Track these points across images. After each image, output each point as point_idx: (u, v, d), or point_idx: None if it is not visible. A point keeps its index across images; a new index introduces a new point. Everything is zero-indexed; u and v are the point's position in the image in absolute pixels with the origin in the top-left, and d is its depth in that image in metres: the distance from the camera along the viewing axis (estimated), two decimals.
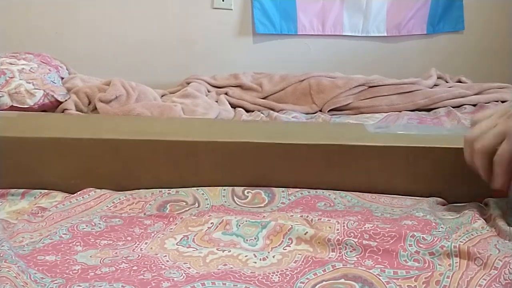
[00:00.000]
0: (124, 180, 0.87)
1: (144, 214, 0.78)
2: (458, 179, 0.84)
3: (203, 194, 0.85)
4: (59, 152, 0.88)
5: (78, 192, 0.84)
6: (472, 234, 0.71)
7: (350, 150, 0.86)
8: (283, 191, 0.85)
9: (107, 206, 0.80)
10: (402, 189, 0.86)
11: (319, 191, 0.85)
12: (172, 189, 0.86)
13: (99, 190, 0.85)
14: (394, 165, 0.86)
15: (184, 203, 0.82)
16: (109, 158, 0.88)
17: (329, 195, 0.85)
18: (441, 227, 0.72)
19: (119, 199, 0.82)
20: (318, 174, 0.88)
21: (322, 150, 0.87)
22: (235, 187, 0.86)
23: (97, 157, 0.88)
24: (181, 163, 0.88)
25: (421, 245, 0.65)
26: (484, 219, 0.75)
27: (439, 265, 0.62)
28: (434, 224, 0.72)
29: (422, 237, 0.66)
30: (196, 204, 0.83)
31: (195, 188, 0.86)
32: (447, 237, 0.69)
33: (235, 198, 0.84)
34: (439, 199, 0.86)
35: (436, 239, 0.65)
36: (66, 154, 0.88)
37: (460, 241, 0.68)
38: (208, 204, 0.83)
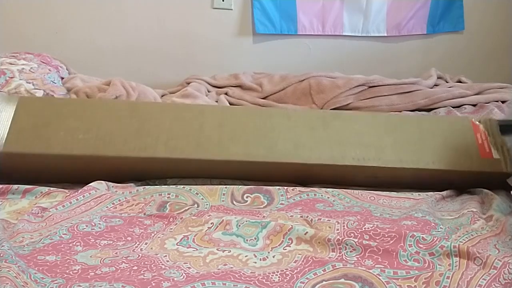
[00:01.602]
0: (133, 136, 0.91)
1: (144, 214, 0.78)
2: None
3: (202, 199, 0.85)
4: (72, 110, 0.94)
5: (79, 191, 0.84)
6: (471, 235, 0.71)
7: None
8: (281, 195, 0.85)
9: (107, 207, 0.80)
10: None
11: (318, 194, 0.86)
12: (171, 194, 0.86)
13: (99, 190, 0.85)
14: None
15: (184, 204, 0.82)
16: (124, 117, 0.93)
17: (328, 197, 0.85)
18: (440, 228, 0.72)
19: (119, 200, 0.82)
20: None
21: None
22: (234, 190, 0.86)
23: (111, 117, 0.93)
24: (188, 123, 0.93)
25: (421, 245, 0.65)
26: (484, 219, 0.75)
27: (439, 265, 0.62)
28: (433, 224, 0.73)
29: (422, 237, 0.66)
30: (196, 205, 0.83)
31: (194, 192, 0.86)
32: (446, 237, 0.69)
33: (234, 202, 0.84)
34: (437, 195, 0.87)
35: (436, 239, 0.65)
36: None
37: (460, 241, 0.68)
38: (207, 204, 0.83)
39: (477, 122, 0.98)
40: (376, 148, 0.92)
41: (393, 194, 0.88)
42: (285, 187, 0.87)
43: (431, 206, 0.82)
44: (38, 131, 0.91)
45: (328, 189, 0.87)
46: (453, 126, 0.98)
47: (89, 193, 0.83)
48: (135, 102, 0.99)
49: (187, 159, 0.90)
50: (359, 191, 0.88)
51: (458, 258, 0.62)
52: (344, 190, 0.87)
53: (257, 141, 0.91)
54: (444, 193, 0.89)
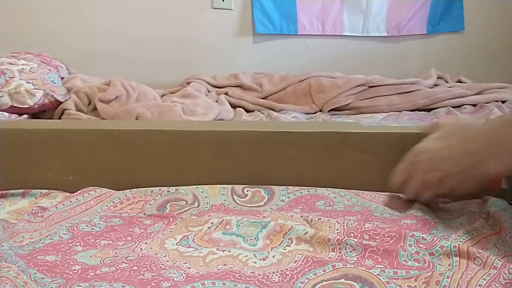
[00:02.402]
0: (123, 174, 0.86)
1: (144, 214, 0.78)
2: None
3: (202, 192, 0.85)
4: (59, 144, 0.87)
5: (79, 191, 0.84)
6: (471, 234, 0.70)
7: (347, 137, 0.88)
8: (282, 190, 0.85)
9: (107, 206, 0.80)
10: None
11: (318, 190, 0.85)
12: (171, 187, 0.86)
13: (99, 189, 0.85)
14: (388, 153, 0.86)
15: (184, 202, 0.82)
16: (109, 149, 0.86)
17: (328, 194, 0.85)
18: (441, 226, 0.72)
19: (119, 198, 0.82)
20: (317, 160, 0.88)
21: (320, 137, 0.88)
22: (235, 186, 0.86)
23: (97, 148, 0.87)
24: (181, 155, 0.88)
25: (421, 245, 0.65)
26: (483, 218, 0.75)
27: (439, 265, 0.62)
28: (433, 223, 0.72)
29: (422, 237, 0.66)
30: (196, 204, 0.83)
31: (194, 186, 0.86)
32: (446, 236, 0.69)
33: (234, 197, 0.84)
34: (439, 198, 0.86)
35: (436, 238, 0.65)
36: (66, 146, 0.87)
37: (460, 241, 0.68)
38: (208, 203, 0.83)
39: None
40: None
41: (394, 193, 0.88)
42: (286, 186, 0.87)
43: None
44: (23, 172, 0.87)
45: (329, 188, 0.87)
46: None
47: (89, 193, 0.83)
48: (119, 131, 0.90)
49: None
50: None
51: (458, 258, 0.62)
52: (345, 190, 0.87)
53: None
54: None
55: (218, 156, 0.88)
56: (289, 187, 0.86)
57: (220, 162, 0.88)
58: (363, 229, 0.70)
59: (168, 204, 0.82)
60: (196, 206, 0.82)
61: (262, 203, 0.83)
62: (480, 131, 0.73)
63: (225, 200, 0.84)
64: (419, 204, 0.80)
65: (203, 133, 0.88)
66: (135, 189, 0.86)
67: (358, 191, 0.86)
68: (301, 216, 0.76)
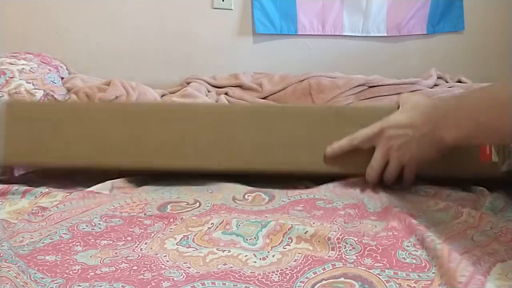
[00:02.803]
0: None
1: (145, 214, 0.79)
2: None
3: (204, 198, 0.85)
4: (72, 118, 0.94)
5: (80, 195, 0.84)
6: (452, 229, 0.71)
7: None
8: (282, 194, 0.86)
9: (107, 208, 0.80)
10: None
11: (317, 195, 0.86)
12: (173, 192, 0.86)
13: (100, 193, 0.86)
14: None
15: (185, 203, 0.83)
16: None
17: (326, 196, 0.86)
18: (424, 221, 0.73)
19: (119, 203, 0.82)
20: (312, 133, 0.93)
21: (315, 110, 0.94)
22: (235, 194, 0.87)
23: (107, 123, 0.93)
24: (183, 126, 0.93)
25: (418, 246, 0.66)
26: (472, 216, 0.75)
27: (435, 266, 0.61)
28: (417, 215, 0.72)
29: (417, 239, 0.67)
30: (197, 204, 0.83)
31: (196, 194, 0.86)
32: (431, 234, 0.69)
33: (236, 201, 0.85)
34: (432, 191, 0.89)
35: (425, 237, 0.66)
36: (78, 120, 0.94)
37: (439, 240, 0.67)
38: (209, 203, 0.83)
39: None
40: None
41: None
42: (286, 190, 0.88)
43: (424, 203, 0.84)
44: (35, 142, 0.92)
45: (327, 193, 0.88)
46: None
47: (89, 200, 0.83)
48: (129, 105, 0.98)
49: (186, 169, 0.92)
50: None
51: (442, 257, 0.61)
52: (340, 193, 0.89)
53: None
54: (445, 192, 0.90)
55: (219, 128, 0.93)
56: (288, 191, 0.87)
57: (221, 131, 0.93)
58: (363, 231, 0.71)
59: (169, 205, 0.82)
60: (197, 206, 0.82)
61: (263, 203, 0.84)
62: (437, 103, 0.85)
63: (226, 202, 0.84)
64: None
65: (204, 108, 0.94)
66: (137, 194, 0.86)
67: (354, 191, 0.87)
68: (302, 215, 0.76)
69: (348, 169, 0.92)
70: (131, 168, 0.94)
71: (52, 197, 0.86)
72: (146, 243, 0.68)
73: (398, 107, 0.90)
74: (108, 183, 0.90)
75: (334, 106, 0.94)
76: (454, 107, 0.79)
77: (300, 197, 0.86)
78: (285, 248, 0.66)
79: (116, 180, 0.93)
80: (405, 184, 0.91)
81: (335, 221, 0.74)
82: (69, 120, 0.94)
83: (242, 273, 0.60)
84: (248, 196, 0.87)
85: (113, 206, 0.81)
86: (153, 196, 0.86)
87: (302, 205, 0.82)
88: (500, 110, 0.67)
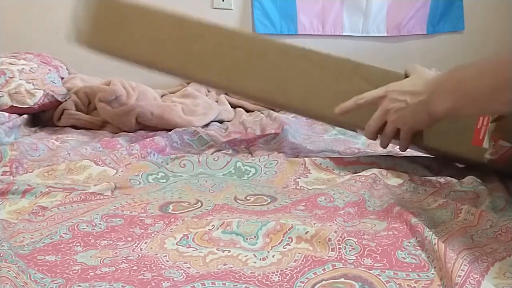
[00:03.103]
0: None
1: (146, 214, 0.78)
2: None
3: (205, 198, 0.85)
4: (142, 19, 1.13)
5: (81, 198, 0.84)
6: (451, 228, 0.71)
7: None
8: (284, 196, 0.86)
9: (109, 209, 0.80)
10: None
11: (317, 190, 0.87)
12: (174, 192, 0.86)
13: (101, 195, 0.86)
14: None
15: (187, 203, 0.83)
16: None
17: (327, 191, 0.86)
18: (423, 219, 0.73)
19: (121, 204, 0.82)
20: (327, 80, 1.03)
21: (335, 61, 1.04)
22: (237, 195, 0.87)
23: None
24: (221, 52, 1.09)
25: (417, 247, 0.65)
26: (472, 213, 0.75)
27: (434, 267, 0.61)
28: (417, 227, 0.72)
29: (417, 240, 0.67)
30: (199, 204, 0.83)
31: (197, 196, 0.86)
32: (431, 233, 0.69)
33: (237, 201, 0.85)
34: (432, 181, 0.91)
35: (426, 237, 0.65)
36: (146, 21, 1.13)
37: (436, 238, 0.67)
38: (211, 203, 0.83)
39: None
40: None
41: (390, 182, 0.93)
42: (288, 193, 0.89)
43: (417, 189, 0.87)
44: (111, 36, 1.15)
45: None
46: None
47: (90, 202, 0.83)
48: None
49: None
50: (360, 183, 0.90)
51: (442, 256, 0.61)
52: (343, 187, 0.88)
53: None
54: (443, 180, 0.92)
55: (250, 60, 1.07)
56: (290, 196, 0.87)
57: (250, 65, 1.07)
58: (363, 231, 0.71)
59: (171, 205, 0.82)
60: (199, 206, 0.82)
61: (265, 203, 0.84)
62: (437, 76, 0.90)
63: (228, 202, 0.84)
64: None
65: (239, 35, 1.10)
66: (139, 196, 0.86)
67: (355, 189, 0.87)
68: (303, 215, 0.76)
69: (351, 121, 1.02)
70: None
71: (52, 197, 0.86)
72: (146, 243, 0.68)
73: (406, 77, 0.97)
74: (110, 184, 0.90)
75: (354, 61, 1.06)
76: (444, 79, 0.83)
77: (302, 196, 0.86)
78: (285, 248, 0.66)
79: (117, 180, 0.93)
80: (400, 148, 0.99)
81: (335, 220, 0.74)
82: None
83: (242, 273, 0.60)
84: (249, 197, 0.87)
85: (115, 206, 0.81)
86: (154, 196, 0.86)
87: (304, 203, 0.82)
88: (485, 78, 0.70)
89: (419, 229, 0.67)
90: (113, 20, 1.16)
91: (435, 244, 0.62)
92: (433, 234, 0.65)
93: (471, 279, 0.53)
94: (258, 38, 1.12)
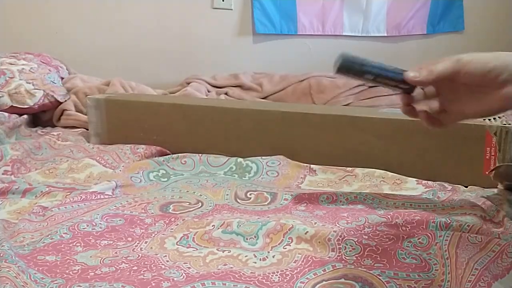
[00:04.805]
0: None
1: (146, 213, 0.78)
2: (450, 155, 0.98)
3: (206, 198, 0.85)
4: (148, 113, 1.21)
5: (82, 198, 0.84)
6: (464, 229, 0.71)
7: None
8: (285, 193, 0.86)
9: (109, 209, 0.80)
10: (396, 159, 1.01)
11: (319, 189, 0.86)
12: (175, 194, 0.87)
13: (102, 194, 0.86)
14: (387, 135, 1.02)
15: (188, 203, 0.83)
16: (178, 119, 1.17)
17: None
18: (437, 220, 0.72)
19: (121, 203, 0.82)
20: (330, 138, 1.06)
21: (332, 118, 1.06)
22: (237, 191, 0.87)
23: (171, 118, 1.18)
24: (226, 127, 1.13)
25: (418, 247, 0.65)
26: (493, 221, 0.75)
27: (434, 264, 0.61)
28: (431, 217, 0.72)
29: (419, 241, 0.66)
30: (200, 204, 0.83)
31: (198, 193, 0.86)
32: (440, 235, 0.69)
33: (238, 200, 0.85)
34: (445, 184, 0.90)
35: (431, 241, 0.65)
36: (152, 114, 1.20)
37: (446, 241, 0.67)
38: (211, 203, 0.83)
39: (492, 134, 0.94)
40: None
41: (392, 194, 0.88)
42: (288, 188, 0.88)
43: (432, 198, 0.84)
44: (124, 131, 1.21)
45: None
46: (465, 133, 0.95)
47: (90, 202, 0.83)
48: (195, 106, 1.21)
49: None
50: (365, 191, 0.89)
51: (449, 261, 0.61)
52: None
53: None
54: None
55: (253, 129, 1.12)
56: (291, 190, 0.87)
57: (254, 134, 1.11)
58: (363, 231, 0.70)
59: (172, 205, 0.82)
60: (200, 206, 0.82)
61: (266, 203, 0.84)
62: None
63: (228, 202, 0.84)
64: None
65: (243, 111, 1.14)
66: (139, 195, 0.86)
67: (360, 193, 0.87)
68: (304, 216, 0.76)
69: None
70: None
71: (53, 197, 0.86)
72: (146, 242, 0.68)
73: None
74: (111, 182, 0.90)
75: (349, 116, 1.07)
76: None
77: (303, 194, 0.85)
78: (285, 248, 0.66)
79: (118, 178, 0.93)
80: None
81: (338, 223, 0.74)
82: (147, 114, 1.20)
83: (242, 273, 0.60)
84: (250, 194, 0.86)
85: (115, 206, 0.81)
86: (155, 195, 0.86)
87: (305, 203, 0.82)
88: None
89: (427, 233, 0.67)
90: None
91: (445, 250, 0.61)
92: (444, 239, 0.64)
93: (482, 282, 0.53)
94: (265, 109, 1.15)
